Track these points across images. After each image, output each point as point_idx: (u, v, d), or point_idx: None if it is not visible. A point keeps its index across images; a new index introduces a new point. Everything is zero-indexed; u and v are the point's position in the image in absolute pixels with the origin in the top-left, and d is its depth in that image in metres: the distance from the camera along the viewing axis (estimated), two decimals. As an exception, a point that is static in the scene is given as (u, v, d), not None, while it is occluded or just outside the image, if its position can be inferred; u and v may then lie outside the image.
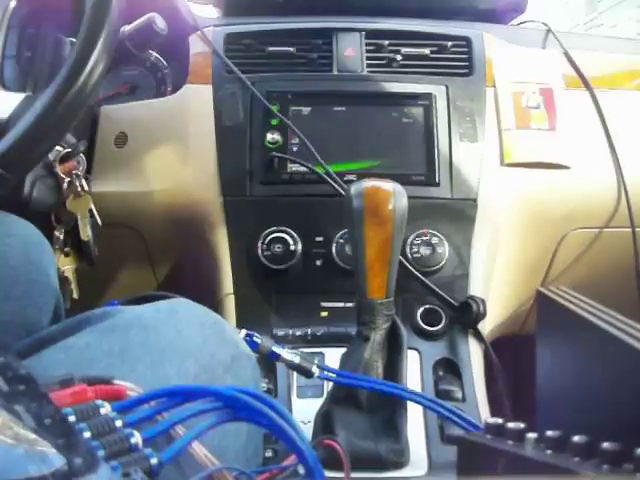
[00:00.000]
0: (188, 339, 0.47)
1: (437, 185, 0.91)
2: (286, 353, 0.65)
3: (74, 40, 0.73)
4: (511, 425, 0.41)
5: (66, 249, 0.87)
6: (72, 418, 0.31)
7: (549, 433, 0.38)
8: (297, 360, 0.65)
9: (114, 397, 0.34)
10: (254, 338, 0.64)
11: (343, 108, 0.93)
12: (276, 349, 0.65)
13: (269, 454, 0.67)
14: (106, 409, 0.32)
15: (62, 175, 0.84)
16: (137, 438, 0.31)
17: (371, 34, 1.00)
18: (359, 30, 1.00)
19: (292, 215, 0.90)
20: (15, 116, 0.74)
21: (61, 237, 0.86)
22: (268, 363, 0.72)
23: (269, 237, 0.87)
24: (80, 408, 0.32)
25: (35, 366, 0.41)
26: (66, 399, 0.33)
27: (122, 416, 0.32)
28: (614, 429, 0.44)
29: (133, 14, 0.90)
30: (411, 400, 0.63)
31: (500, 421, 0.42)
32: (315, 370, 0.65)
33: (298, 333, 0.84)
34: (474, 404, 0.76)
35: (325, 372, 0.65)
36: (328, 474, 0.66)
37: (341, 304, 0.87)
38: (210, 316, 0.54)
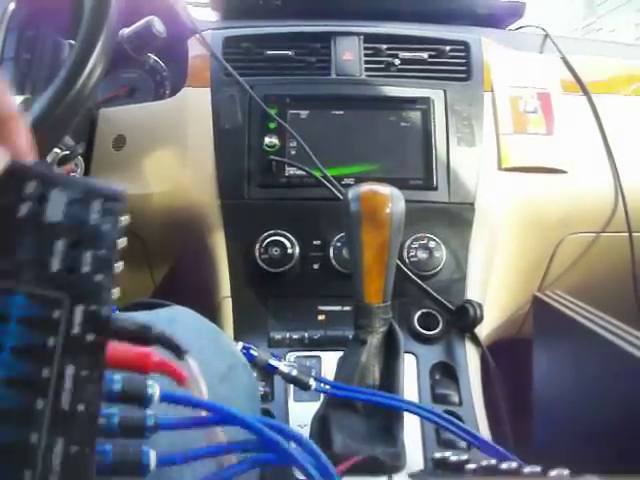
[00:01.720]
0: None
1: (435, 189, 0.91)
2: (283, 366, 0.65)
3: (73, 42, 0.73)
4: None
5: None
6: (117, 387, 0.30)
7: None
8: (294, 373, 0.65)
9: (173, 377, 0.32)
10: (251, 351, 0.64)
11: (341, 112, 0.94)
12: (273, 362, 0.65)
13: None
14: (156, 394, 0.31)
15: (60, 177, 0.84)
16: (151, 459, 0.30)
17: (369, 38, 1.00)
18: (357, 34, 1.00)
19: (290, 218, 0.90)
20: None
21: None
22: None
23: (267, 240, 0.87)
24: (130, 385, 0.31)
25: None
26: (124, 359, 0.31)
27: (157, 420, 0.31)
28: (610, 433, 0.45)
29: (132, 17, 0.90)
30: (409, 411, 0.63)
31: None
32: (312, 383, 0.65)
33: (295, 336, 0.84)
34: (471, 408, 0.76)
35: (322, 384, 0.65)
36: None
37: (338, 308, 0.87)
38: (207, 325, 0.54)
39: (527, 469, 0.36)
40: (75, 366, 0.28)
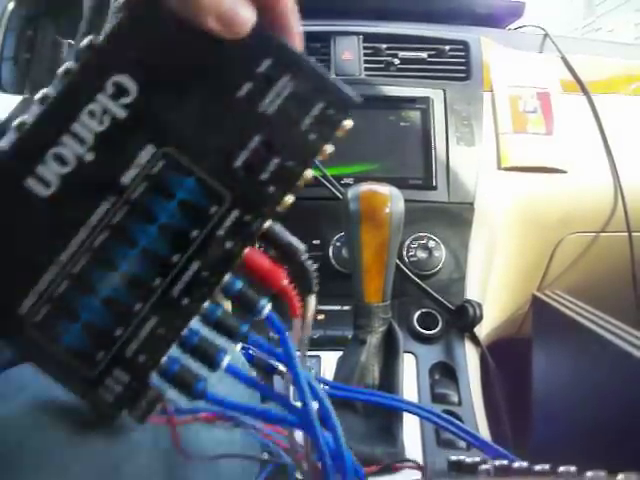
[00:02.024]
0: None
1: (434, 189, 0.91)
2: (282, 366, 0.65)
3: (72, 42, 0.73)
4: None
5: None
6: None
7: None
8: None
9: (289, 308, 0.32)
10: (250, 351, 0.64)
11: (341, 111, 0.93)
12: (272, 362, 0.65)
13: (265, 457, 0.67)
14: (265, 310, 0.31)
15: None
16: (224, 362, 0.30)
17: (369, 38, 1.00)
18: (357, 34, 1.00)
19: (289, 218, 0.89)
20: (13, 118, 0.75)
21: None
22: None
23: (266, 240, 0.87)
24: (246, 295, 0.31)
25: (30, 371, 0.41)
26: (257, 266, 0.30)
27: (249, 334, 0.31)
28: (609, 432, 0.45)
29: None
30: (408, 411, 0.63)
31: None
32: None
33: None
34: (470, 408, 0.76)
35: (321, 384, 0.65)
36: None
37: (338, 307, 0.87)
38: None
39: (538, 467, 0.36)
40: (201, 264, 0.29)
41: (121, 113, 0.28)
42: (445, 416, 0.63)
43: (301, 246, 0.31)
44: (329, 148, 0.31)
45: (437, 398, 0.77)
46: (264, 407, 0.35)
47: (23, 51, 0.99)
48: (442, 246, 0.88)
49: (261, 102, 0.29)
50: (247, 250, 0.30)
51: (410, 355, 0.81)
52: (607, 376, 0.45)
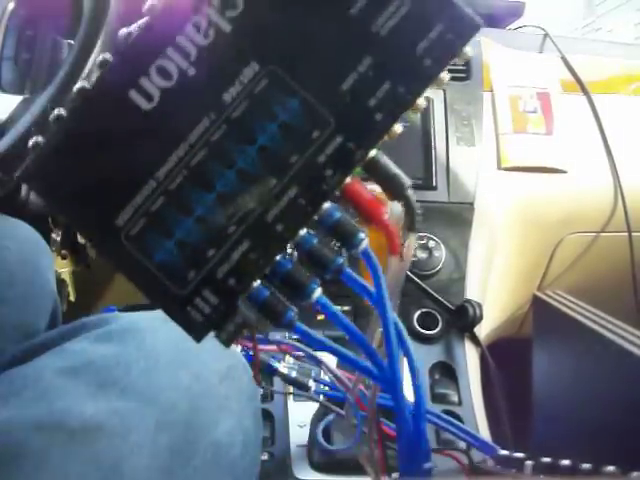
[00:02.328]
0: (183, 348, 0.46)
1: (434, 189, 0.91)
2: (282, 367, 0.65)
3: (72, 42, 0.73)
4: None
5: (63, 251, 0.87)
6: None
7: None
8: (293, 374, 0.65)
9: (389, 244, 0.30)
10: (251, 352, 0.64)
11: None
12: (272, 363, 0.65)
13: (265, 457, 0.67)
14: (362, 246, 0.29)
15: (59, 177, 0.84)
16: (315, 295, 0.29)
17: (369, 38, 1.00)
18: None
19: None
20: (13, 118, 0.74)
21: (58, 239, 0.86)
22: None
23: (266, 240, 0.87)
24: (342, 224, 0.29)
25: (31, 372, 0.41)
26: (358, 197, 0.30)
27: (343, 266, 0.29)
28: (609, 431, 0.45)
29: (131, 16, 0.90)
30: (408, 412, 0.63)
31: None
32: (311, 384, 0.65)
33: (294, 336, 0.84)
34: (470, 408, 0.76)
35: (321, 386, 0.65)
36: (326, 478, 0.67)
37: (338, 307, 0.87)
38: None
39: (584, 465, 0.36)
40: (297, 191, 0.28)
41: (226, 27, 0.27)
42: (445, 416, 0.63)
43: (407, 180, 0.30)
44: (445, 77, 0.29)
45: (437, 398, 0.77)
46: (351, 353, 0.34)
47: (23, 51, 0.99)
48: (442, 246, 0.88)
49: (375, 21, 0.27)
50: (349, 179, 0.29)
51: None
52: (608, 375, 0.45)
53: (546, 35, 1.10)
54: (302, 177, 0.28)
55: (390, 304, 0.32)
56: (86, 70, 0.64)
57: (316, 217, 0.28)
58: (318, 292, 0.29)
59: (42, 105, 0.63)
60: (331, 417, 0.64)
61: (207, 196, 0.28)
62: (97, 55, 0.65)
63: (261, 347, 0.37)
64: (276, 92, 0.27)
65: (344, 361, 0.34)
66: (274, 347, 0.42)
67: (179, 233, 0.28)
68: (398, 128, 0.29)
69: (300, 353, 0.48)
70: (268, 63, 0.27)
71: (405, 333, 0.32)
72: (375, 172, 0.30)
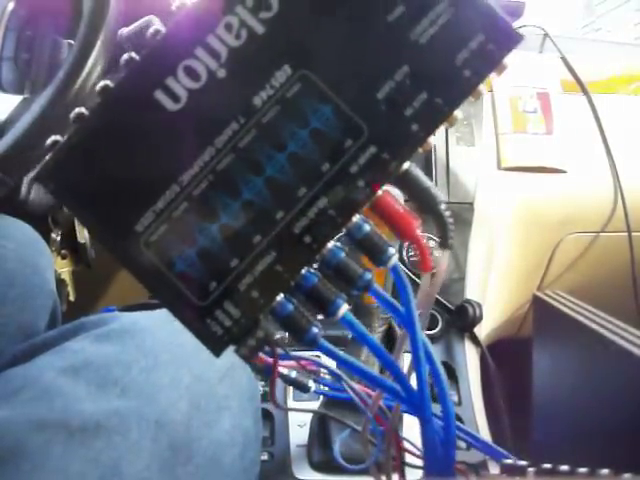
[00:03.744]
0: (183, 348, 0.46)
1: (434, 189, 0.91)
2: (282, 367, 0.65)
3: (72, 42, 0.73)
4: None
5: (63, 251, 0.87)
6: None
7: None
8: (293, 375, 0.65)
9: (421, 260, 0.29)
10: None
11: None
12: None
13: (265, 457, 0.67)
14: (393, 256, 0.28)
15: (59, 177, 0.84)
16: (340, 312, 0.28)
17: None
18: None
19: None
20: (13, 118, 0.74)
21: (58, 239, 0.86)
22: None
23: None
24: (373, 240, 0.28)
25: (30, 372, 0.41)
26: (388, 210, 0.28)
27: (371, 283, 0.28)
28: (610, 432, 0.45)
29: (131, 17, 0.90)
30: (408, 412, 0.63)
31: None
32: (311, 384, 0.65)
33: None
34: (470, 408, 0.76)
35: (321, 386, 0.65)
36: (326, 478, 0.67)
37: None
38: None
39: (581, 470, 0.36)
40: (329, 201, 0.27)
41: (259, 28, 0.27)
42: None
43: (440, 195, 0.29)
44: (482, 88, 0.28)
45: (437, 398, 0.77)
46: (378, 374, 0.33)
47: (23, 51, 0.99)
48: (442, 246, 0.88)
49: (414, 29, 0.26)
50: (381, 192, 0.27)
51: (410, 355, 0.81)
52: (608, 376, 0.45)
53: (546, 35, 1.10)
54: (333, 187, 0.27)
55: (420, 325, 0.31)
56: (86, 70, 0.64)
57: (344, 230, 0.27)
58: (344, 308, 0.28)
59: (42, 105, 0.63)
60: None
61: (233, 203, 0.27)
62: (97, 55, 0.65)
63: (281, 363, 0.36)
64: (308, 98, 0.27)
65: (371, 382, 0.33)
66: (293, 363, 0.41)
67: (202, 241, 0.27)
68: (433, 140, 0.27)
69: (321, 369, 0.47)
70: (301, 67, 0.27)
71: (434, 355, 0.32)
72: (407, 185, 0.28)
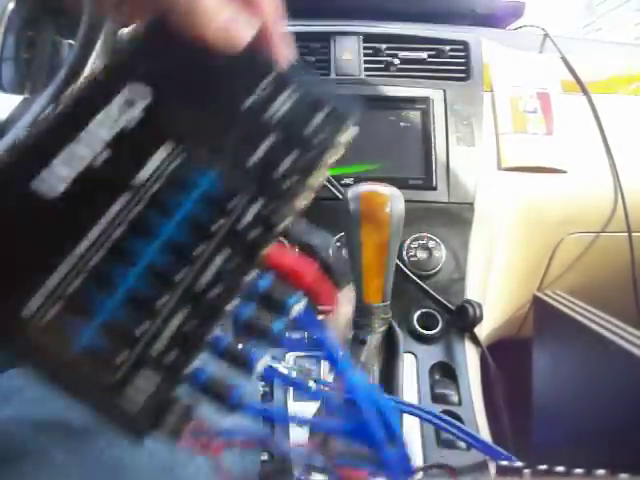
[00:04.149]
0: None
1: (434, 189, 0.91)
2: (282, 368, 0.65)
3: (72, 42, 0.73)
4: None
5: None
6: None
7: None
8: (293, 375, 0.65)
9: (322, 303, 0.30)
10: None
11: (341, 112, 0.94)
12: (272, 363, 0.65)
13: (265, 457, 0.67)
14: (295, 310, 0.29)
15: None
16: (259, 366, 0.28)
17: (369, 38, 1.00)
18: (357, 34, 1.00)
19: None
20: (13, 118, 0.75)
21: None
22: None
23: (266, 240, 0.87)
24: (275, 292, 0.29)
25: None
26: (283, 264, 0.29)
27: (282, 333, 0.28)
28: (609, 431, 0.45)
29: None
30: (408, 413, 0.63)
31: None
32: (311, 385, 0.65)
33: (294, 336, 0.84)
34: (470, 408, 0.76)
35: (322, 387, 0.65)
36: (326, 478, 0.67)
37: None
38: None
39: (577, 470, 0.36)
40: (227, 255, 0.28)
41: (137, 116, 0.29)
42: (445, 417, 0.63)
43: (324, 242, 0.31)
44: (343, 138, 0.32)
45: (437, 398, 0.77)
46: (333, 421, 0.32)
47: (23, 51, 0.99)
48: (442, 246, 0.88)
49: (266, 112, 0.31)
50: (271, 248, 0.29)
51: (410, 355, 0.81)
52: (608, 376, 0.45)
53: (546, 35, 1.10)
54: (228, 242, 0.28)
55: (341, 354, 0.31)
56: (86, 70, 0.64)
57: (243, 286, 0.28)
58: (263, 362, 0.28)
59: (42, 105, 0.63)
60: None
61: (131, 270, 0.27)
62: (97, 55, 0.65)
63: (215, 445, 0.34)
64: (190, 168, 0.29)
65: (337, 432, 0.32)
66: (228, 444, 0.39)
67: (103, 312, 0.26)
68: (310, 194, 0.31)
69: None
70: (181, 142, 0.29)
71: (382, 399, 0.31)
72: (290, 239, 0.30)
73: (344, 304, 0.31)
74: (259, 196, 0.29)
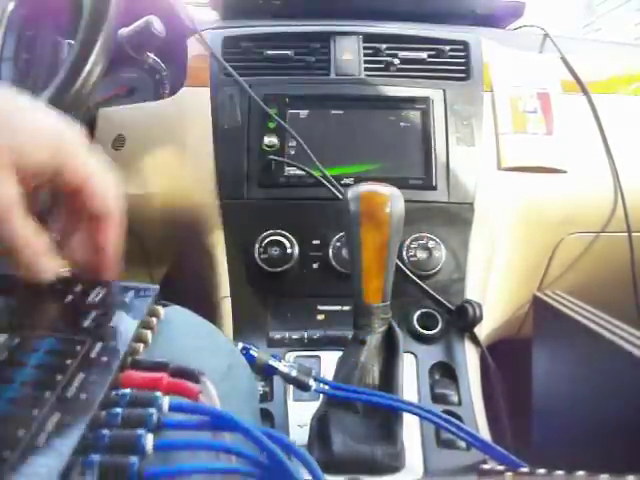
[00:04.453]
0: (182, 348, 0.46)
1: (434, 189, 0.91)
2: (283, 366, 0.65)
3: (72, 42, 0.73)
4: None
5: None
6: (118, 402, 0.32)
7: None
8: (294, 373, 0.65)
9: (186, 395, 0.34)
10: (251, 351, 0.63)
11: (340, 112, 0.94)
12: (273, 363, 0.65)
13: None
14: (165, 404, 0.32)
15: (59, 177, 0.84)
16: (148, 442, 0.30)
17: (369, 38, 1.00)
18: (357, 34, 1.00)
19: (289, 218, 0.90)
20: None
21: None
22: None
23: (266, 240, 0.87)
24: (139, 394, 0.33)
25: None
26: (136, 381, 0.34)
27: (160, 416, 0.32)
28: (609, 432, 0.45)
29: (131, 17, 0.90)
30: (408, 412, 0.63)
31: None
32: (312, 383, 0.65)
33: (295, 336, 0.84)
34: (470, 408, 0.76)
35: (321, 385, 0.65)
36: (326, 478, 0.67)
37: (338, 307, 0.87)
38: (205, 325, 0.54)
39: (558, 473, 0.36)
40: (86, 375, 0.33)
41: None
42: (445, 416, 0.63)
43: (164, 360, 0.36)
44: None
45: (437, 398, 0.77)
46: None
47: (23, 51, 0.99)
48: (442, 246, 0.88)
49: (86, 300, 0.41)
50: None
51: (410, 355, 0.81)
52: (608, 376, 0.45)
53: (546, 35, 1.10)
54: (84, 368, 0.33)
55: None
56: (86, 70, 0.64)
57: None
58: (150, 440, 0.30)
59: (42, 105, 0.63)
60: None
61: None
62: (97, 55, 0.65)
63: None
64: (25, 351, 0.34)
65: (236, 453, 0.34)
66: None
67: None
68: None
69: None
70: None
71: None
72: (140, 365, 0.37)
73: (210, 389, 0.35)
74: (97, 340, 0.36)
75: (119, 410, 0.31)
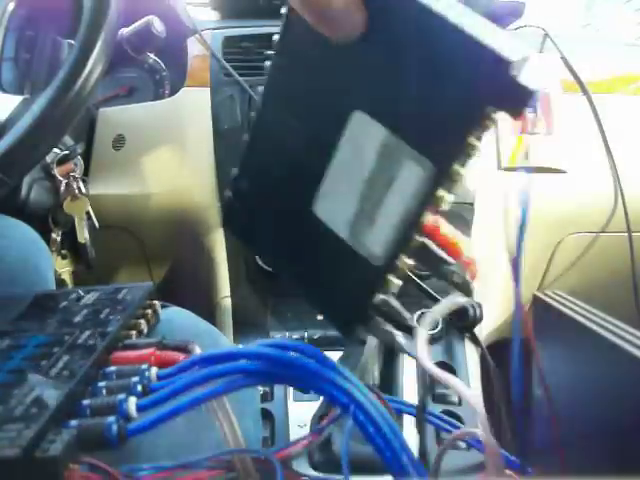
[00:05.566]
0: None
1: (434, 189, 0.91)
2: None
3: (72, 42, 0.73)
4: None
5: (63, 251, 0.87)
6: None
7: None
8: None
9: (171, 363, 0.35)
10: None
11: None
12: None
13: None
14: (152, 373, 0.33)
15: (59, 177, 0.84)
16: (131, 405, 0.30)
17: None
18: (357, 34, 1.00)
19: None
20: (13, 118, 0.74)
21: (58, 239, 0.86)
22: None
23: (266, 240, 0.87)
24: (125, 368, 0.34)
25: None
26: (125, 359, 0.35)
27: (147, 384, 0.32)
28: (609, 433, 0.45)
29: (131, 17, 0.90)
30: (407, 413, 0.63)
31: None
32: None
33: (295, 336, 0.84)
34: (470, 408, 0.76)
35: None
36: (326, 478, 0.67)
37: None
38: (205, 326, 0.54)
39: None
40: (70, 356, 0.34)
41: None
42: (445, 417, 0.63)
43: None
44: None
45: (437, 398, 0.77)
46: None
47: (23, 51, 0.99)
48: (442, 246, 0.88)
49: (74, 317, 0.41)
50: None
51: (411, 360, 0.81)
52: (608, 377, 0.45)
53: (546, 35, 1.10)
54: (70, 350, 0.36)
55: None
56: (87, 70, 0.64)
57: None
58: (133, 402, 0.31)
59: (42, 105, 0.63)
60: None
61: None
62: (98, 55, 0.65)
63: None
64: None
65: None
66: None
67: None
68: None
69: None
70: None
71: None
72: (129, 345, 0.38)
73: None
74: (86, 328, 0.38)
75: (103, 383, 0.32)
